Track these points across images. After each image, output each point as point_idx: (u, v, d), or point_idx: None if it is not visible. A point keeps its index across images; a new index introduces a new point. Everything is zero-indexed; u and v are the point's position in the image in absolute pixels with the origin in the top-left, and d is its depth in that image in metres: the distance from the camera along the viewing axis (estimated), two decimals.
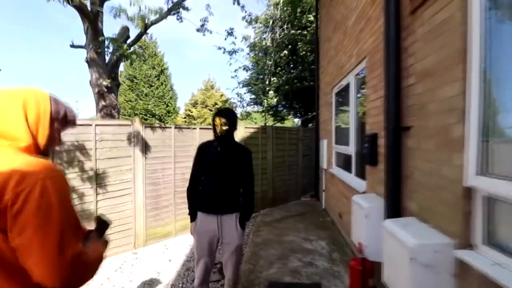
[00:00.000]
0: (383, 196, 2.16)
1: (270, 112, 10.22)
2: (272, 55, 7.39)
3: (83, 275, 0.82)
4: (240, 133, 5.36)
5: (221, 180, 2.07)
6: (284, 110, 10.35)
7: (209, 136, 4.87)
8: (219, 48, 7.86)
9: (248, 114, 10.91)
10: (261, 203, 5.71)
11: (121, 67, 19.41)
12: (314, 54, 6.68)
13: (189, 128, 4.64)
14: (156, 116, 19.48)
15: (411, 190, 1.91)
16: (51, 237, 0.72)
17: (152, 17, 5.77)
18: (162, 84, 20.02)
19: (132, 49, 6.14)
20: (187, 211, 2.18)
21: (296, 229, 4.43)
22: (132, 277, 3.19)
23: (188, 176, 2.23)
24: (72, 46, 5.78)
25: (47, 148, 0.90)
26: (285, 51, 7.04)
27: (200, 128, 4.75)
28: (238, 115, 11.51)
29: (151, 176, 4.14)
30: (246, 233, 4.41)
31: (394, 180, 1.96)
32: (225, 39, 6.60)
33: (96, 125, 3.62)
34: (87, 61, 5.68)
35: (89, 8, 5.35)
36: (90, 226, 1.17)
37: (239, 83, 8.93)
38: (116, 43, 5.93)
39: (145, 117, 18.53)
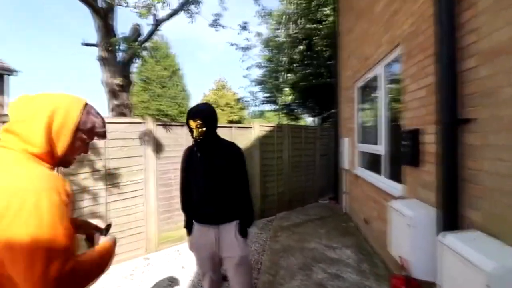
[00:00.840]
0: (433, 203, 1.82)
1: (284, 111, 9.90)
2: (287, 51, 7.07)
3: (82, 281, 0.80)
4: (255, 132, 5.08)
5: (209, 186, 1.79)
6: (298, 109, 10.00)
7: (222, 134, 4.62)
8: (232, 45, 7.64)
9: (261, 113, 10.63)
10: (277, 206, 5.41)
11: (134, 68, 19.65)
12: (332, 48, 6.32)
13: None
14: (169, 117, 19.52)
15: (473, 197, 1.56)
16: (36, 252, 0.69)
17: (160, 9, 5.58)
18: (174, 84, 20.05)
19: (144, 46, 6.01)
20: None
21: (317, 235, 4.10)
22: (143, 286, 2.97)
23: None
24: (84, 44, 5.68)
25: (65, 157, 0.89)
26: (300, 47, 6.69)
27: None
28: (252, 114, 11.28)
29: (163, 177, 3.93)
30: (263, 239, 4.14)
31: (450, 184, 1.61)
32: (239, 33, 6.34)
33: (107, 122, 3.42)
34: (98, 60, 5.57)
35: (99, 5, 5.23)
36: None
37: (252, 81, 8.66)
38: (128, 42, 5.79)
39: (158, 118, 18.63)
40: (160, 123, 3.96)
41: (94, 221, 1.13)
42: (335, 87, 6.10)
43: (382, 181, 3.25)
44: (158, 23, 5.87)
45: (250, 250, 2.05)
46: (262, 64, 8.42)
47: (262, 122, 6.63)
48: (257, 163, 5.07)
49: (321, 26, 7.26)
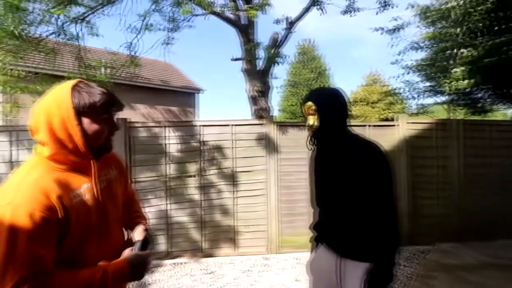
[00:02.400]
0: None
1: (461, 102, 7.20)
2: (460, 18, 4.99)
3: None
4: (401, 132, 3.92)
5: (326, 201, 1.31)
6: (486, 98, 6.96)
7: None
8: (376, 30, 6.38)
9: (423, 107, 8.36)
10: (437, 233, 3.92)
11: (284, 74, 21.34)
12: None
13: None
14: None
15: None
16: None
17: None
18: (320, 86, 20.06)
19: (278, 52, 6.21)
20: None
21: None
22: (255, 286, 2.92)
23: None
24: (233, 59, 6.60)
25: (92, 145, 0.83)
26: (485, 6, 4.45)
27: None
28: (412, 110, 9.09)
29: (284, 179, 3.78)
30: (406, 275, 3.08)
31: None
32: (377, 13, 5.16)
33: (232, 125, 3.71)
34: (242, 71, 6.29)
35: (242, 22, 5.87)
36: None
37: (404, 67, 6.86)
38: (268, 50, 6.18)
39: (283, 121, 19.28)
40: (280, 123, 3.86)
41: (137, 233, 1.03)
42: None
43: None
44: (290, 26, 5.87)
45: None
46: (421, 44, 6.49)
47: (413, 118, 5.12)
48: (404, 171, 3.89)
49: None
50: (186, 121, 3.00)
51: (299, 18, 5.91)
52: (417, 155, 3.96)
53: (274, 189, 3.73)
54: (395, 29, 6.29)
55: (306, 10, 5.72)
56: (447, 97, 6.57)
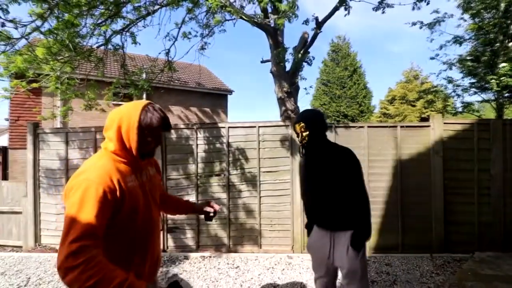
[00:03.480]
0: None
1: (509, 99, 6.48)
2: (510, 5, 4.48)
3: (84, 277, 0.81)
4: (436, 132, 3.71)
5: (317, 192, 1.78)
6: None
7: (381, 136, 3.78)
8: (413, 24, 5.99)
9: (467, 106, 7.67)
10: (476, 241, 3.66)
11: (316, 73, 20.91)
12: None
13: (353, 126, 3.83)
14: (349, 117, 19.06)
15: None
16: (65, 224, 0.89)
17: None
18: (354, 84, 19.32)
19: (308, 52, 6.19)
20: None
21: None
22: (278, 283, 3.03)
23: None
24: (262, 61, 6.73)
25: (141, 151, 1.09)
26: None
27: (369, 127, 3.78)
28: (457, 109, 8.37)
29: None
30: (437, 283, 2.94)
31: None
32: (413, 8, 4.88)
33: (259, 126, 3.84)
34: (271, 73, 6.39)
35: (272, 25, 5.96)
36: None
37: (445, 63, 6.31)
38: (295, 52, 6.22)
39: (337, 119, 18.69)
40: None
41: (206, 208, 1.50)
42: None
43: None
44: (319, 25, 5.81)
45: (366, 264, 1.77)
46: (465, 37, 5.94)
47: (450, 118, 4.78)
48: (438, 175, 3.69)
49: None
50: (213, 123, 3.20)
51: (328, 17, 5.83)
52: (454, 158, 3.72)
53: (299, 189, 3.78)
54: (435, 22, 5.88)
55: (335, 9, 5.63)
56: (495, 94, 5.96)
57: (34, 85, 5.42)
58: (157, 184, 1.31)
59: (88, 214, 0.89)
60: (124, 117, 1.06)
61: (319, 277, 1.86)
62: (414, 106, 16.90)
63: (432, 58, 6.55)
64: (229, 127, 3.88)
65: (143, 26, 6.00)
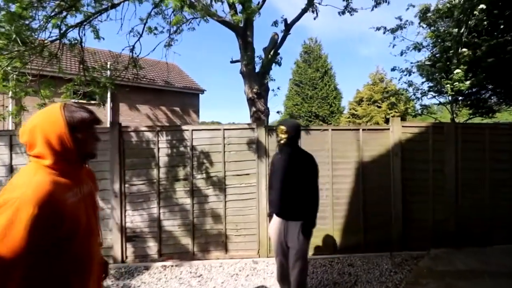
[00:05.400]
0: None
1: (465, 102, 7.00)
2: (462, 16, 4.83)
3: None
4: (395, 136, 3.86)
5: (283, 186, 2.27)
6: (489, 99, 6.73)
7: (345, 138, 3.86)
8: (378, 29, 6.27)
9: (425, 108, 8.17)
10: (431, 238, 3.87)
11: (290, 74, 21.21)
12: None
13: (318, 129, 3.87)
14: (320, 117, 19.59)
15: None
16: None
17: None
18: (325, 85, 19.90)
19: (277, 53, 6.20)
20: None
21: None
22: None
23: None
24: (231, 61, 6.63)
25: (83, 153, 1.03)
26: (481, 5, 4.29)
27: (332, 130, 3.84)
28: (417, 110, 8.88)
29: None
30: (395, 282, 3.06)
31: None
32: (372, 9, 5.08)
33: (224, 129, 3.75)
34: (241, 73, 6.31)
35: (241, 24, 5.87)
36: None
37: (403, 71, 6.67)
38: (265, 53, 6.20)
39: (309, 119, 19.13)
40: (270, 127, 3.86)
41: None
42: None
43: None
44: (288, 27, 5.85)
45: (309, 247, 2.37)
46: (424, 44, 6.33)
47: (408, 122, 5.04)
48: (397, 175, 3.84)
49: None
50: (176, 125, 3.05)
51: (297, 19, 5.89)
52: (411, 159, 3.90)
53: (265, 193, 3.74)
54: (397, 28, 6.17)
55: (304, 11, 5.69)
56: (450, 98, 6.41)
57: None
58: (95, 198, 1.23)
59: (13, 241, 0.80)
60: (46, 127, 0.96)
61: (277, 256, 2.39)
62: (380, 107, 17.78)
63: (393, 69, 6.90)
64: (193, 130, 3.73)
65: (104, 20, 5.61)
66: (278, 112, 7.13)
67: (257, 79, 6.17)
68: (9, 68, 4.88)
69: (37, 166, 0.97)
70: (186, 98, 12.81)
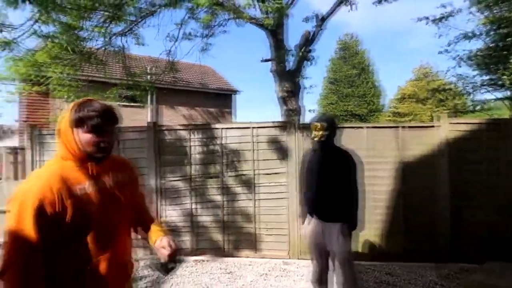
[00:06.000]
0: None
1: None
2: None
3: None
4: (442, 133, 3.50)
5: (321, 185, 2.13)
6: None
7: (383, 137, 3.60)
8: (420, 20, 5.74)
9: (478, 104, 7.32)
10: (485, 249, 3.42)
11: (324, 72, 20.57)
12: None
13: (352, 127, 3.67)
14: (357, 117, 18.69)
15: None
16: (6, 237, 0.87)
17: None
18: (363, 82, 18.94)
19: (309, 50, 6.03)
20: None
21: None
22: None
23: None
24: (262, 60, 6.61)
25: (87, 150, 0.99)
26: None
27: (368, 127, 3.60)
28: (469, 107, 7.99)
29: None
30: None
31: None
32: None
33: (253, 127, 3.73)
34: (272, 72, 6.27)
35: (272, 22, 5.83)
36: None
37: (454, 58, 6.01)
38: (297, 50, 6.09)
39: (345, 118, 18.36)
40: (303, 125, 3.74)
41: (163, 248, 1.12)
42: None
43: None
44: (321, 22, 5.66)
45: (351, 249, 2.24)
46: (476, 33, 5.63)
47: (458, 118, 4.54)
48: (444, 177, 3.48)
49: None
50: (207, 124, 3.12)
51: (331, 14, 5.67)
52: (461, 158, 3.50)
53: (296, 193, 3.65)
54: (442, 18, 5.61)
55: (338, 5, 5.46)
56: (509, 92, 5.63)
57: (36, 88, 5.50)
58: (126, 194, 1.14)
59: (26, 229, 0.86)
60: (60, 122, 1.01)
61: (314, 258, 2.28)
62: (425, 104, 16.39)
63: (440, 53, 6.26)
64: (223, 129, 3.78)
65: (145, 26, 5.97)
66: (310, 110, 6.91)
67: (288, 78, 6.07)
68: (63, 74, 5.45)
69: (55, 160, 1.03)
70: (220, 99, 13.13)
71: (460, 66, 6.02)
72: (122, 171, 1.17)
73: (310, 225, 2.22)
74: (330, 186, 2.09)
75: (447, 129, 3.50)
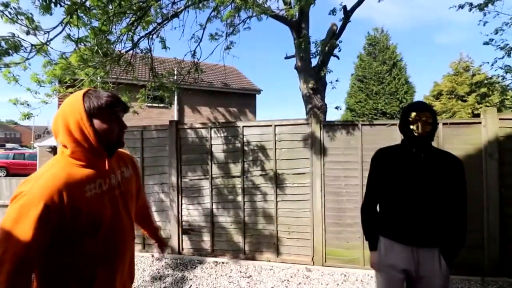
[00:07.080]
0: None
1: None
2: None
3: None
4: (488, 131, 3.08)
5: (418, 199, 1.47)
6: None
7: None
8: (461, 7, 5.16)
9: None
10: None
11: (352, 69, 19.74)
12: None
13: (383, 124, 3.36)
14: (388, 115, 17.66)
15: None
16: None
17: None
18: (394, 79, 17.87)
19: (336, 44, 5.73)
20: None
21: None
22: None
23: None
24: (286, 57, 6.41)
25: (106, 141, 0.95)
26: None
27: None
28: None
29: (332, 184, 3.43)
30: None
31: None
32: None
33: (275, 125, 3.58)
34: (295, 68, 6.05)
35: (295, 18, 5.62)
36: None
37: (502, 48, 5.32)
38: (321, 45, 5.83)
39: (375, 117, 17.44)
40: (327, 123, 3.52)
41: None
42: None
43: None
44: (348, 15, 5.34)
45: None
46: None
47: (505, 114, 4.01)
48: (492, 182, 3.06)
49: None
50: (228, 122, 3.05)
51: (358, 5, 5.33)
52: (510, 160, 3.06)
53: (320, 194, 3.43)
54: (487, 2, 5.02)
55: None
56: None
57: (70, 90, 5.82)
58: (133, 188, 1.16)
59: (23, 233, 0.79)
60: (67, 113, 0.92)
61: None
62: (465, 101, 15.03)
63: (486, 43, 5.59)
64: (243, 126, 3.67)
65: (169, 29, 6.08)
66: (337, 107, 6.53)
67: (313, 74, 5.82)
68: (94, 77, 5.71)
69: (59, 157, 0.94)
70: (242, 99, 13.12)
71: (509, 56, 5.33)
72: (126, 164, 1.16)
73: (389, 252, 1.56)
74: (432, 200, 1.48)
75: (496, 125, 3.08)
